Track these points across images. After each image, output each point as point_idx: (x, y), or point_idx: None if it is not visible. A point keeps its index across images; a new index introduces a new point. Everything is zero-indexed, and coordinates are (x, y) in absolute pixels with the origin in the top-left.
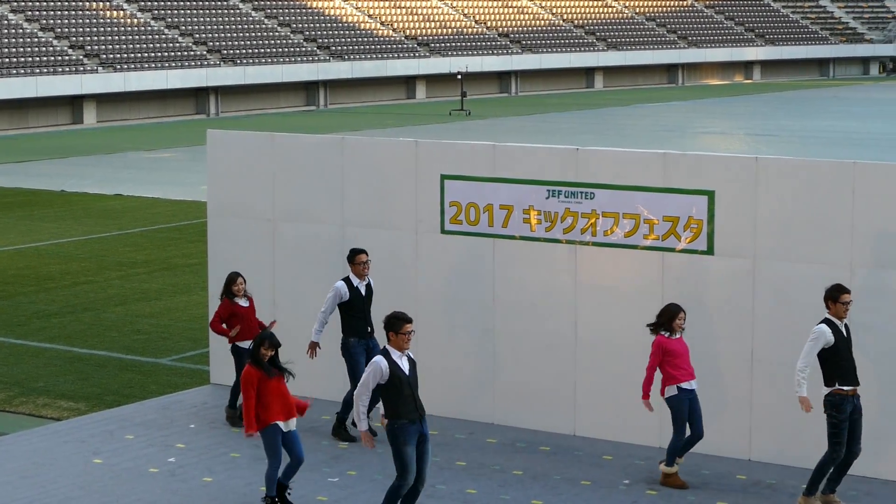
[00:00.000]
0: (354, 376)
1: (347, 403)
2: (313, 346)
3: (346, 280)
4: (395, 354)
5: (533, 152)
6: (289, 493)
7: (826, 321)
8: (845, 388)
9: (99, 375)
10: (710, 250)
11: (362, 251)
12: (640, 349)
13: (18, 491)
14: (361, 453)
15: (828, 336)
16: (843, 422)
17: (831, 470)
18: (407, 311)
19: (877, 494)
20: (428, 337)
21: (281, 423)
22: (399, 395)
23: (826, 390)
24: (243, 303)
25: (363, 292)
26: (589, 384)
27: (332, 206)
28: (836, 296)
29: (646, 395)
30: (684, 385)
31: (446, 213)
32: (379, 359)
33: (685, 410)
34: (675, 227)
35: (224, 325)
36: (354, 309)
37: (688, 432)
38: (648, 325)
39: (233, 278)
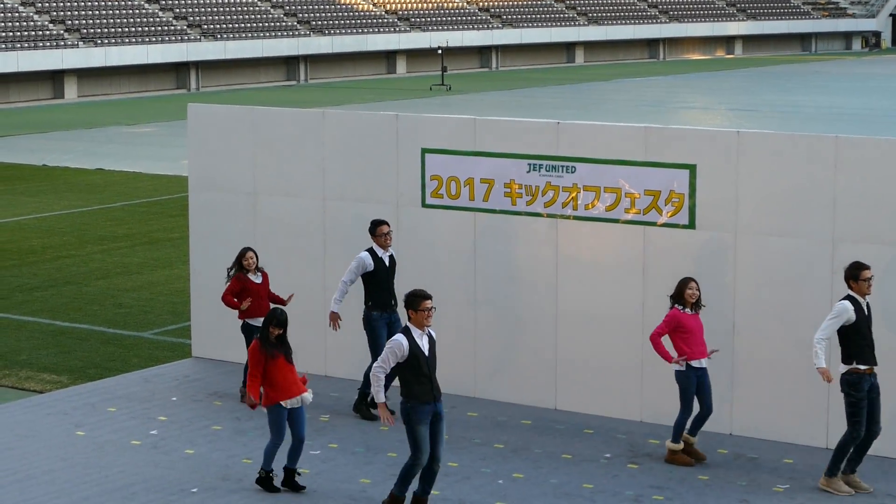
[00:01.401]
0: (376, 350)
1: (368, 376)
2: (335, 318)
3: (370, 251)
4: (415, 333)
5: (514, 126)
6: (298, 475)
7: (849, 297)
8: (862, 366)
9: (81, 349)
10: (691, 224)
11: (383, 222)
12: (621, 323)
13: (2, 462)
14: (344, 426)
15: (850, 313)
16: (861, 400)
17: (851, 450)
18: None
19: None
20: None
21: (286, 403)
22: (416, 375)
23: (843, 368)
24: (255, 278)
25: (387, 263)
26: (570, 358)
27: (313, 179)
28: (856, 274)
29: (669, 359)
30: (693, 363)
31: (427, 186)
32: (399, 337)
33: (692, 388)
34: (657, 202)
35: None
36: (378, 280)
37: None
38: (670, 297)
39: (243, 253)
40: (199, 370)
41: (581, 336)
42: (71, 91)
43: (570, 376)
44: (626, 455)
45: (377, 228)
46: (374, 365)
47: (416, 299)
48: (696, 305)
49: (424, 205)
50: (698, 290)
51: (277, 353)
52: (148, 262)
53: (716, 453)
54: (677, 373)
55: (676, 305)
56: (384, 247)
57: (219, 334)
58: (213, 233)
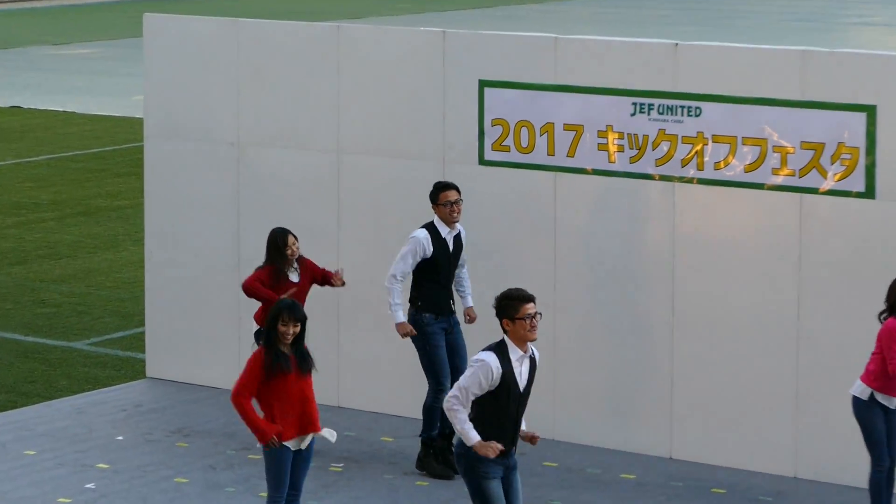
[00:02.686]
0: (434, 371)
1: (431, 413)
2: (405, 329)
3: (430, 227)
4: (514, 353)
5: (613, 49)
6: None
7: None
8: None
9: None
10: (868, 192)
11: (450, 186)
12: (765, 334)
13: None
14: (364, 480)
15: None
16: None
17: None
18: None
19: None
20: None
21: (292, 443)
22: (498, 414)
23: None
24: (294, 277)
25: (451, 246)
26: (691, 384)
27: (324, 124)
28: None
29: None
30: (881, 398)
31: (487, 135)
32: (489, 356)
33: (878, 427)
34: (819, 158)
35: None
36: (437, 269)
37: None
38: (880, 314)
39: (280, 238)
40: (157, 397)
41: (706, 351)
42: None
43: (691, 411)
44: None
45: (441, 194)
46: (450, 395)
47: (512, 303)
48: None
49: (483, 161)
50: None
51: (287, 366)
52: (84, 242)
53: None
54: (856, 403)
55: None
56: (449, 221)
57: (186, 345)
58: (178, 199)
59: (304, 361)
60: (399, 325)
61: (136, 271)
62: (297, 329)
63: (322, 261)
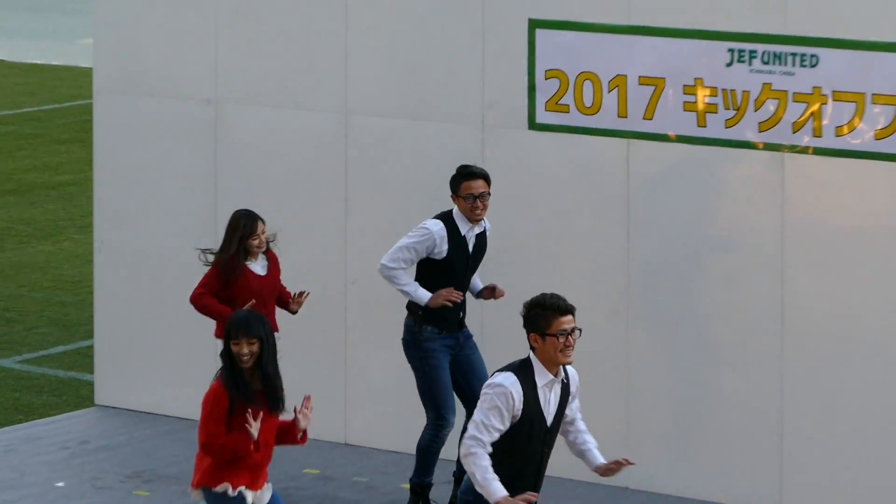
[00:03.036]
0: (433, 399)
1: (426, 454)
2: (450, 296)
3: (447, 220)
4: (541, 377)
5: None
6: None
7: None
8: None
9: None
10: None
11: (476, 174)
12: None
13: None
14: None
15: None
16: None
17: None
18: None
19: None
20: (502, 317)
21: (249, 495)
22: (518, 454)
23: None
24: (259, 268)
25: (471, 246)
26: (805, 417)
27: (327, 77)
28: None
29: None
30: None
31: (539, 91)
32: (509, 380)
33: None
34: None
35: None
36: (449, 274)
37: None
38: None
39: (246, 222)
40: (108, 430)
41: (825, 373)
42: None
43: (806, 452)
44: None
45: (463, 184)
46: (468, 437)
47: (545, 314)
48: None
49: (534, 125)
50: None
51: (251, 400)
52: (14, 229)
53: None
54: None
55: None
56: (473, 217)
57: (147, 364)
58: (136, 173)
59: (273, 396)
60: (433, 298)
61: (82, 267)
62: (255, 348)
63: (325, 257)
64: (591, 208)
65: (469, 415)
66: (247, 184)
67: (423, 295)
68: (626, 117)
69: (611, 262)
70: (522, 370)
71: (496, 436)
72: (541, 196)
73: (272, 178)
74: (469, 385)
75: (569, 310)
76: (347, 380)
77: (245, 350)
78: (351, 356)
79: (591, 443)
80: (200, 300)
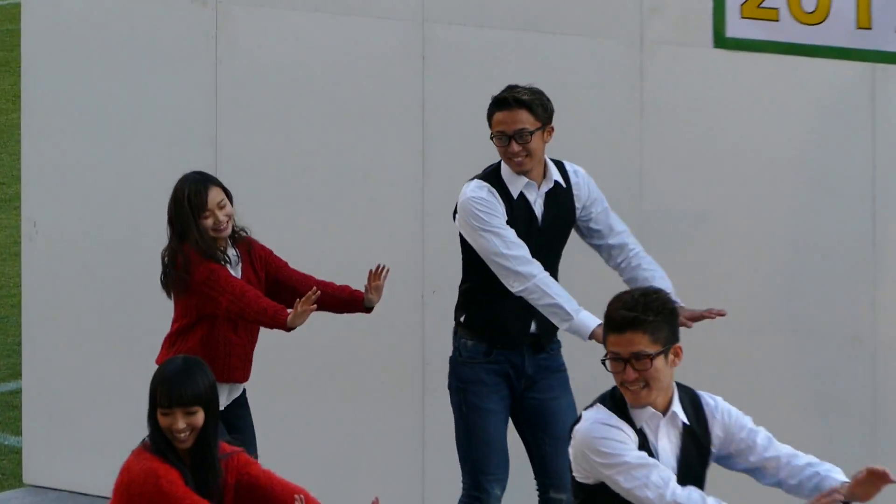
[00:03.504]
0: (471, 456)
1: None
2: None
3: (493, 179)
4: (638, 413)
5: None
6: None
7: None
8: None
9: None
10: None
11: (510, 100)
12: None
13: None
14: None
15: None
16: None
17: None
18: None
19: None
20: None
21: None
22: None
23: None
24: (232, 268)
25: (539, 213)
26: None
27: None
28: None
29: None
30: None
31: None
32: (612, 419)
33: None
34: None
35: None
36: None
37: None
38: None
39: (195, 188)
40: None
41: None
42: None
43: None
44: None
45: (495, 115)
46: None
47: (604, 324)
48: None
49: (721, 41)
50: None
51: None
52: None
53: None
54: None
55: None
56: (515, 168)
57: (98, 423)
58: (89, 116)
59: (203, 485)
60: (596, 332)
61: (8, 277)
62: (196, 420)
63: (398, 245)
64: (818, 162)
65: (543, 492)
66: (248, 123)
67: (588, 321)
68: (869, 28)
69: (852, 253)
70: (618, 404)
71: None
72: (732, 142)
73: (300, 120)
74: (539, 446)
75: (628, 323)
76: (426, 433)
77: (180, 425)
78: (431, 409)
79: (815, 464)
80: (258, 303)
